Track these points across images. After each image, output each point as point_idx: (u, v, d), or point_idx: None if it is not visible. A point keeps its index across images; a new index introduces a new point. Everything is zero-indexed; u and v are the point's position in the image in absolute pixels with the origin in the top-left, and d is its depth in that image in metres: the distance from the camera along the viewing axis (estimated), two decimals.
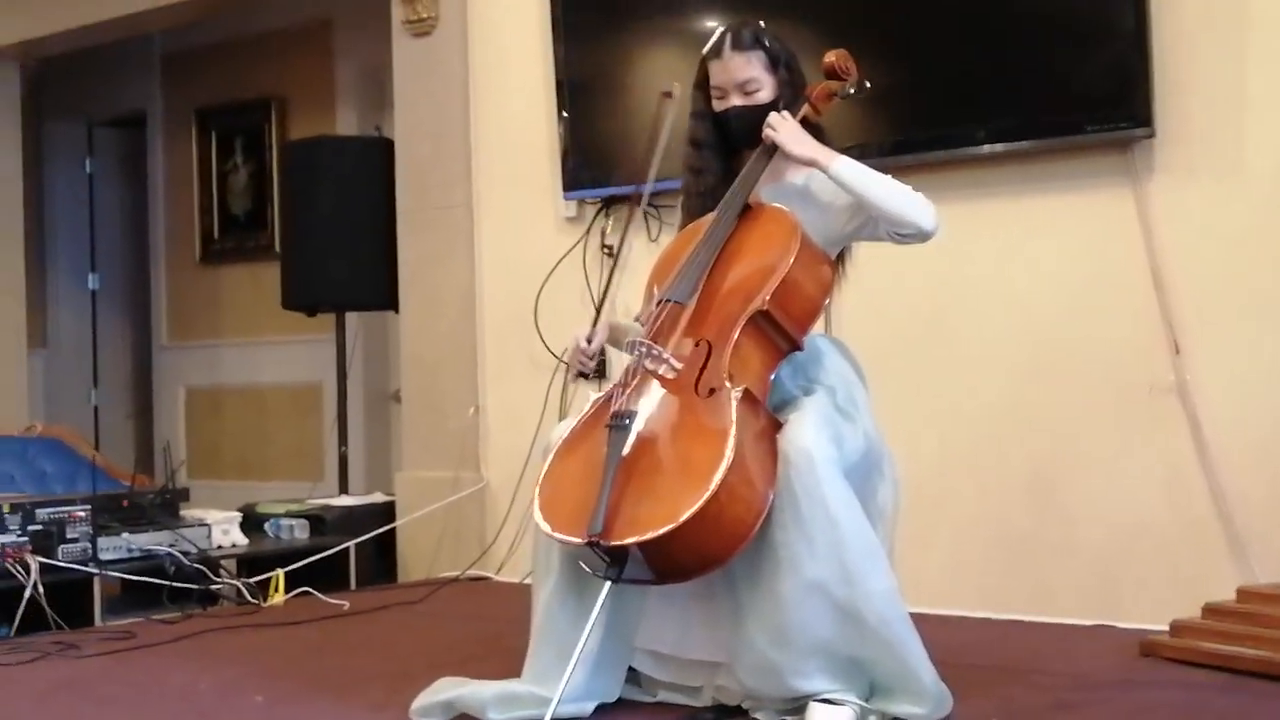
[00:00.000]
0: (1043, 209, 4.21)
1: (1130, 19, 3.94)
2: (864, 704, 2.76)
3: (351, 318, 6.27)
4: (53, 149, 8.78)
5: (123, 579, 4.43)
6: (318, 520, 5.30)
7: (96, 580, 4.41)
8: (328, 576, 4.87)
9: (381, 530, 5.30)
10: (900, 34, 4.31)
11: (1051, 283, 4.20)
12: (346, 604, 4.53)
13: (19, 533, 4.27)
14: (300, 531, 5.21)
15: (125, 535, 4.55)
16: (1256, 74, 3.88)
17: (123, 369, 8.89)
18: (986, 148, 4.23)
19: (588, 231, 5.07)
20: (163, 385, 8.35)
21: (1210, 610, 3.43)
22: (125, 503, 4.73)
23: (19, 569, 4.17)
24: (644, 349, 2.89)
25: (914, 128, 4.31)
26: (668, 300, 2.96)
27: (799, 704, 2.77)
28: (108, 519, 4.58)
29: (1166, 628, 3.47)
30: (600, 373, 3.13)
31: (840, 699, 2.74)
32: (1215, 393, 3.93)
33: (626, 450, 2.78)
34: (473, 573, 5.13)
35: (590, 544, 2.69)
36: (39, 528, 4.31)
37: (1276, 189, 3.86)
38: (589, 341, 3.08)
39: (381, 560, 5.35)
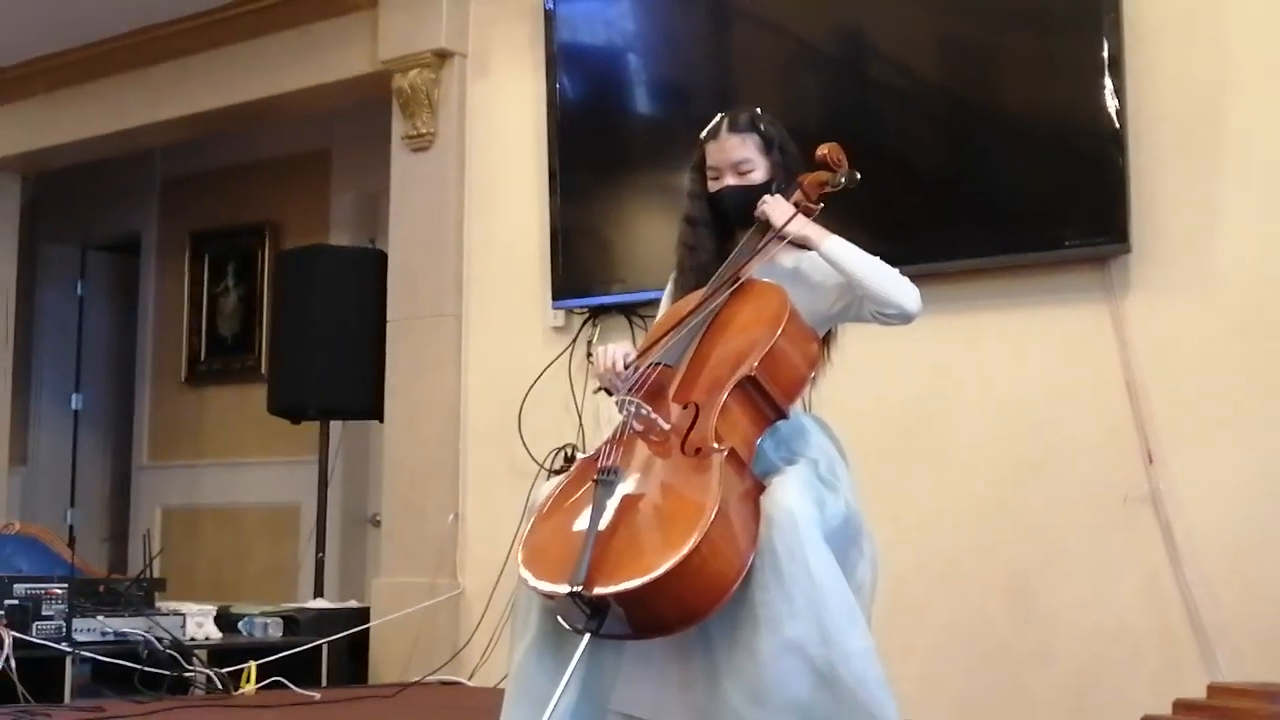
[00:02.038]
0: (1021, 322, 4.32)
1: (1108, 139, 4.09)
2: None
3: (334, 437, 6.32)
4: (46, 271, 8.89)
5: (95, 659, 4.42)
6: (291, 621, 5.29)
7: (69, 660, 4.39)
8: (300, 674, 4.85)
9: (356, 630, 5.29)
10: (882, 150, 4.46)
11: (1029, 395, 4.29)
12: (318, 695, 4.51)
13: None
14: (274, 630, 5.21)
15: (100, 618, 4.56)
16: (1229, 192, 4.02)
17: (101, 489, 8.89)
18: (967, 262, 4.35)
19: (574, 341, 5.16)
20: (140, 505, 8.34)
21: (1181, 706, 3.45)
22: (102, 589, 4.72)
23: None
24: (633, 408, 2.95)
25: (895, 242, 4.34)
26: (658, 363, 3.02)
27: None
28: (84, 602, 4.57)
29: None
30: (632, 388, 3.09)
31: None
32: (1188, 501, 4.00)
33: (612, 505, 2.82)
34: (446, 677, 5.11)
35: (572, 595, 2.71)
36: (15, 603, 4.32)
37: (1248, 304, 3.98)
38: (626, 366, 3.09)
39: (354, 663, 5.34)
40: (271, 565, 7.46)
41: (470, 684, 5.08)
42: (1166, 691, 3.73)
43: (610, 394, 3.10)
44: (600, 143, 5.16)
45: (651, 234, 4.94)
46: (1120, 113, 4.07)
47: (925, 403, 4.45)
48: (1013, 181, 4.31)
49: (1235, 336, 3.99)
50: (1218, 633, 3.90)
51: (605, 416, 4.66)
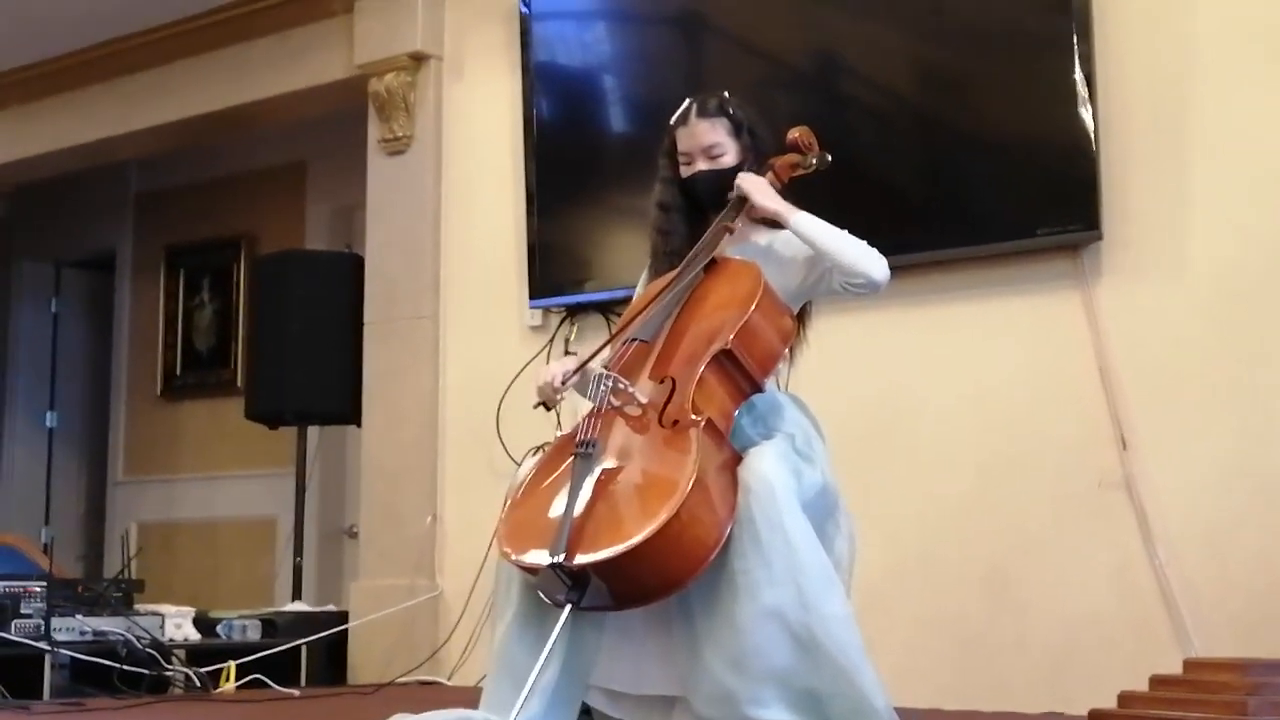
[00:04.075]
0: (995, 311, 4.35)
1: (1079, 128, 4.13)
2: None
3: (311, 446, 6.30)
4: (20, 289, 8.88)
5: (74, 657, 4.41)
6: (270, 623, 5.29)
7: (48, 658, 4.38)
8: (279, 676, 4.84)
9: (334, 631, 5.29)
10: (855, 143, 4.50)
11: (1004, 383, 4.32)
12: (297, 692, 4.51)
13: None
14: (253, 632, 5.20)
15: (79, 617, 4.54)
16: (1199, 178, 4.06)
17: (75, 506, 8.85)
18: (939, 253, 4.39)
19: (551, 340, 5.17)
20: (115, 520, 8.31)
21: (1158, 681, 3.47)
22: (80, 589, 4.71)
23: None
24: (610, 382, 2.97)
25: (869, 234, 4.42)
26: (634, 339, 3.05)
27: None
28: (62, 602, 4.57)
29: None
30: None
31: None
32: (1162, 486, 4.03)
33: (590, 477, 2.83)
34: (425, 677, 5.11)
35: (553, 566, 2.73)
36: None
37: (1218, 289, 4.02)
38: (564, 383, 3.13)
39: (332, 665, 5.33)
40: (248, 579, 7.44)
41: (449, 684, 5.07)
42: (1142, 674, 3.74)
43: (549, 408, 3.15)
44: (577, 162, 5.20)
45: (627, 240, 4.96)
46: (1091, 100, 4.11)
47: (899, 394, 4.48)
48: (984, 171, 4.35)
49: (1207, 321, 4.03)
50: (1192, 616, 3.93)
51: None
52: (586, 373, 3.21)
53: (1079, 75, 4.13)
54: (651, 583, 2.76)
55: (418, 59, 5.64)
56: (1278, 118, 3.99)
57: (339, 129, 6.50)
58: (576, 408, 3.26)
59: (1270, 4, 4.03)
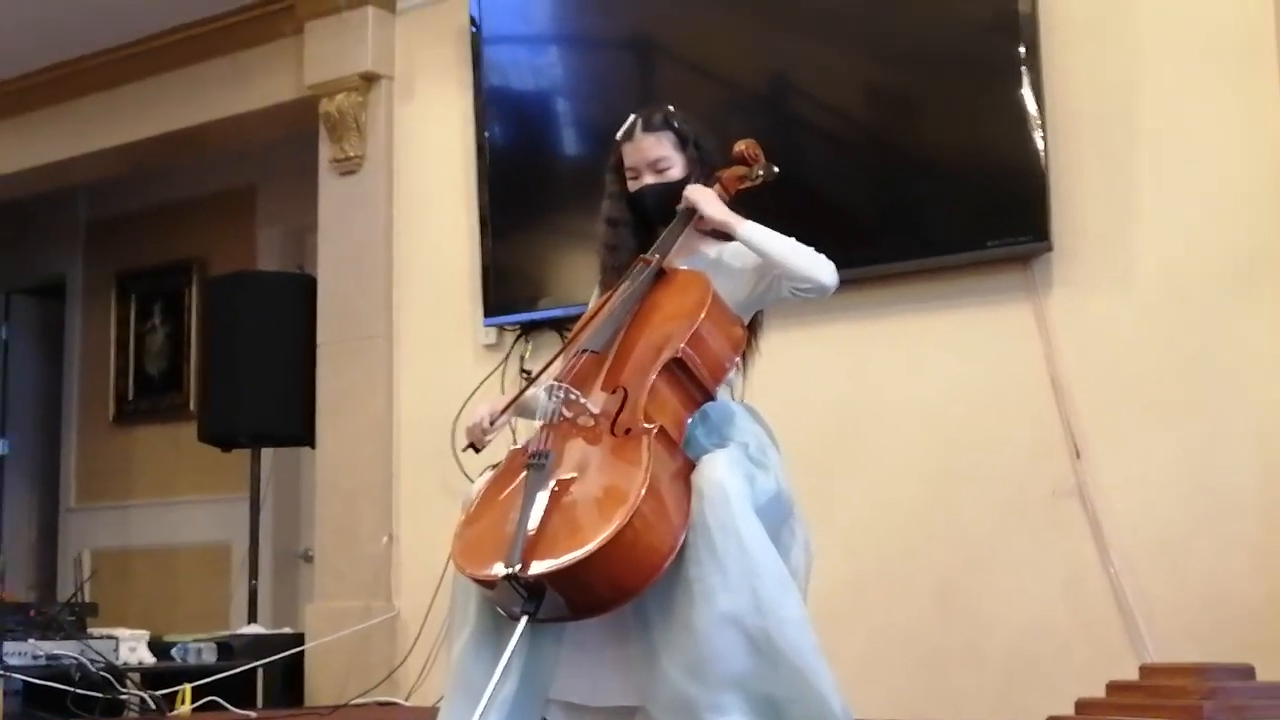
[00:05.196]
0: (946, 324, 4.38)
1: (1028, 141, 4.16)
2: None
3: (265, 468, 6.27)
4: None
5: (27, 681, 4.36)
6: (225, 646, 5.25)
7: (0, 683, 4.33)
8: (235, 698, 4.81)
9: (291, 653, 5.25)
10: (804, 156, 4.53)
11: (955, 395, 4.34)
12: (254, 714, 4.47)
13: None
14: (208, 654, 5.16)
15: (32, 641, 4.50)
16: (1145, 189, 4.10)
17: (26, 535, 8.76)
18: (890, 265, 4.41)
19: (506, 358, 5.17)
20: (68, 548, 8.24)
21: (1115, 687, 3.48)
22: (33, 613, 4.66)
23: None
24: (562, 393, 2.97)
25: (820, 249, 4.45)
26: (585, 350, 3.05)
27: None
28: (14, 625, 4.52)
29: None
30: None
31: None
32: (1114, 494, 4.06)
33: (543, 488, 2.83)
34: (382, 698, 5.08)
35: (509, 577, 2.72)
36: None
37: (1166, 298, 4.06)
38: (491, 423, 3.14)
39: (289, 689, 5.29)
40: (203, 605, 7.38)
41: (407, 704, 5.05)
42: (1098, 682, 3.74)
43: (477, 451, 3.14)
44: (530, 186, 5.19)
45: (581, 260, 4.96)
46: (1039, 112, 4.14)
47: (851, 407, 4.49)
48: (934, 186, 4.37)
49: (1157, 330, 4.06)
50: (1147, 622, 3.95)
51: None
52: (526, 400, 3.22)
53: (1027, 89, 4.16)
54: (606, 592, 2.75)
55: (368, 79, 5.64)
56: (1224, 129, 4.03)
57: (289, 151, 6.48)
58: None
59: (1215, 17, 4.07)
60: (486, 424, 3.11)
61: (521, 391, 3.21)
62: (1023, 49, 4.19)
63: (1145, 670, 3.51)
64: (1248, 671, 3.30)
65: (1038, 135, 4.14)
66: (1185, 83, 4.09)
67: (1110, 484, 4.06)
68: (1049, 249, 4.16)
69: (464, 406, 5.12)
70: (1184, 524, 3.96)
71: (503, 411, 3.14)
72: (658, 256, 3.16)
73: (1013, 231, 4.19)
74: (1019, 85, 4.18)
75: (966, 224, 4.29)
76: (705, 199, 3.18)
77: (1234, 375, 3.96)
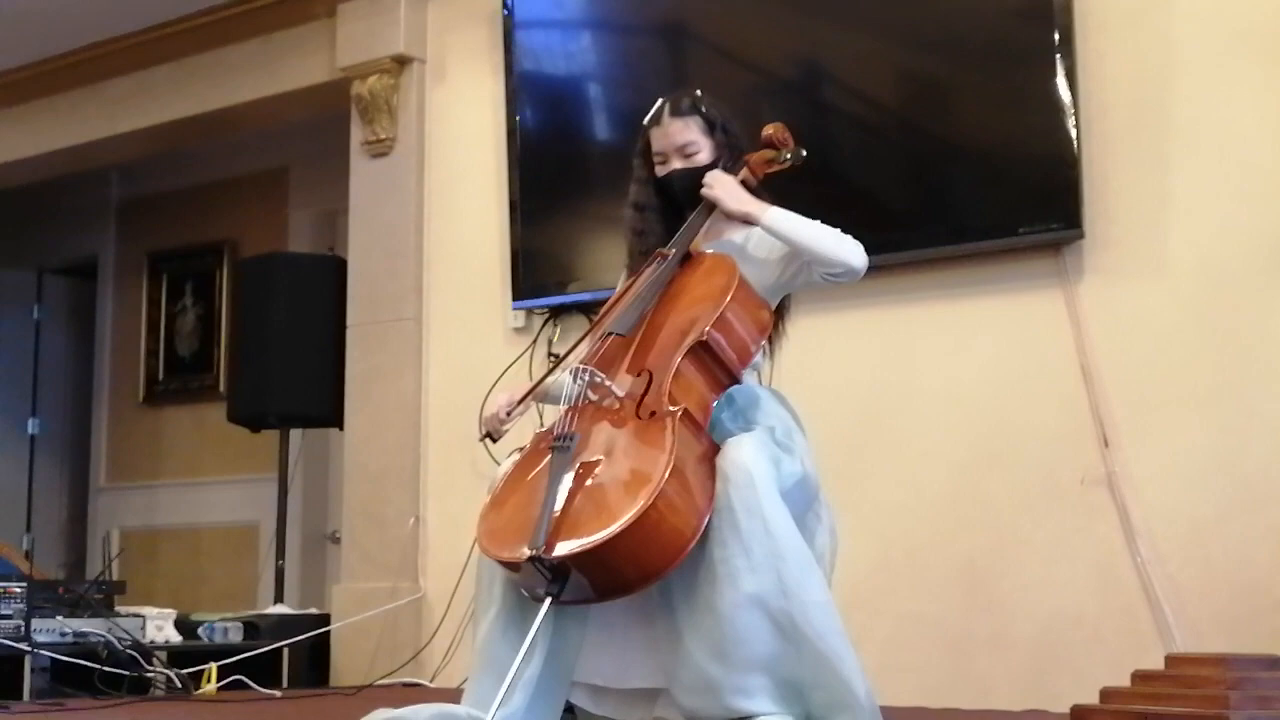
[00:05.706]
0: (977, 310, 4.36)
1: (1061, 128, 4.14)
2: None
3: (293, 449, 6.29)
4: (1, 296, 8.85)
5: (55, 658, 4.38)
6: (252, 626, 5.26)
7: (28, 659, 4.36)
8: (261, 678, 4.82)
9: (317, 633, 5.27)
10: (836, 142, 4.51)
11: (986, 382, 4.33)
12: (279, 693, 4.49)
13: None
14: (234, 634, 5.18)
15: (60, 618, 4.52)
16: (1178, 178, 4.07)
17: (57, 515, 8.82)
18: (922, 252, 4.39)
19: (534, 341, 5.17)
20: (98, 527, 8.28)
21: (1140, 676, 3.47)
22: (62, 590, 4.69)
23: None
24: (587, 375, 2.97)
25: (853, 234, 4.45)
26: (611, 333, 3.05)
27: None
28: (43, 604, 4.55)
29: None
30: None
31: None
32: (1143, 483, 4.04)
33: (568, 470, 2.83)
34: (407, 679, 5.09)
35: (533, 559, 2.72)
36: None
37: (1197, 287, 4.03)
38: (509, 414, 3.14)
39: (315, 668, 5.31)
40: (230, 586, 7.42)
41: (432, 685, 5.06)
42: (1125, 671, 3.74)
43: (494, 440, 3.14)
44: (560, 170, 5.20)
45: (611, 244, 4.95)
46: (1072, 100, 4.12)
47: (883, 393, 4.48)
48: (967, 172, 4.35)
49: (1188, 319, 4.04)
50: (1175, 612, 3.94)
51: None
52: (546, 387, 3.22)
53: (1061, 77, 4.14)
54: (631, 573, 2.75)
55: (401, 62, 5.64)
56: (1257, 116, 4.01)
57: (321, 133, 6.50)
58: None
59: (1249, 4, 4.04)
60: (504, 414, 3.11)
61: (541, 379, 3.21)
62: (1057, 36, 4.17)
63: (1171, 660, 3.50)
64: (1274, 662, 3.29)
65: (1070, 123, 4.12)
66: (1218, 70, 4.07)
67: (1140, 472, 4.05)
68: (1081, 236, 4.14)
69: (491, 389, 5.12)
70: (1213, 513, 3.94)
71: (521, 400, 3.13)
72: (674, 250, 3.15)
73: (1045, 219, 4.17)
74: (1053, 72, 4.16)
75: (998, 211, 4.27)
76: (725, 192, 3.16)
77: (1265, 364, 3.93)
